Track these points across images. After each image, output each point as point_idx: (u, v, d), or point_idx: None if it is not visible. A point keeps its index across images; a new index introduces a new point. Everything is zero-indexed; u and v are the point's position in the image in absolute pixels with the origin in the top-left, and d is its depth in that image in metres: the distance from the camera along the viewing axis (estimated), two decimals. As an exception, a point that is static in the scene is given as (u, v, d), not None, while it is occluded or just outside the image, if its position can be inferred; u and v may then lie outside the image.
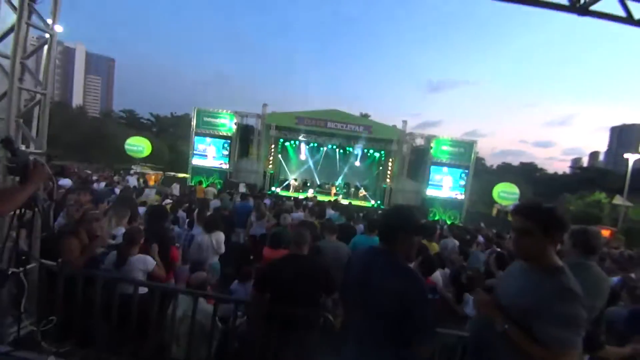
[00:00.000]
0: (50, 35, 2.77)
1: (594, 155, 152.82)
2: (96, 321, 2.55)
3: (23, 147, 2.57)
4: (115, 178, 12.63)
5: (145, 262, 2.76)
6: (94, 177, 11.87)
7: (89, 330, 2.57)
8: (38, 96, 2.75)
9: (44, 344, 2.27)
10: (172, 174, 19.22)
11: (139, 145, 16.85)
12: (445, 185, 15.87)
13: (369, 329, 1.55)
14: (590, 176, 39.00)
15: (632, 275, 4.42)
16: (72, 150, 29.12)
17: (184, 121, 38.29)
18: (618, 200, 23.03)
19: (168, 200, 7.31)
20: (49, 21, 2.76)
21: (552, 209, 1.37)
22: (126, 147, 16.74)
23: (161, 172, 19.49)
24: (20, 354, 1.17)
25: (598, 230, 2.17)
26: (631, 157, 20.04)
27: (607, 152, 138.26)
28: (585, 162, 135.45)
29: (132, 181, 11.66)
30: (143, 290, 2.67)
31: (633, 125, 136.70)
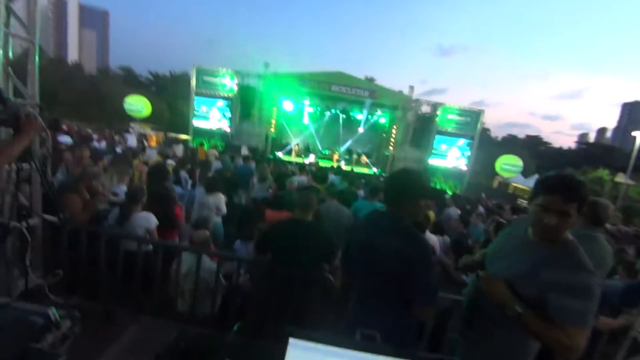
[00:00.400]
0: (35, -24, 2.54)
1: (601, 131, 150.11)
2: (102, 276, 2.61)
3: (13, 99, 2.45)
4: (116, 138, 12.50)
5: (148, 220, 2.77)
6: (94, 136, 11.75)
7: (95, 285, 2.64)
8: (27, 44, 2.58)
9: (51, 296, 2.33)
10: (174, 135, 19.01)
11: (138, 104, 16.45)
12: (449, 155, 15.72)
13: (372, 291, 1.57)
14: (596, 152, 38.64)
15: (628, 250, 4.48)
16: (70, 108, 28.60)
17: (183, 80, 37.13)
18: (620, 178, 22.97)
19: (170, 161, 7.27)
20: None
21: (586, 186, 1.25)
22: (125, 106, 16.34)
23: (162, 133, 19.28)
24: (23, 305, 1.17)
25: (608, 202, 2.13)
26: (639, 135, 19.48)
27: (616, 129, 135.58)
28: (592, 138, 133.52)
29: (131, 140, 11.51)
30: (147, 247, 2.71)
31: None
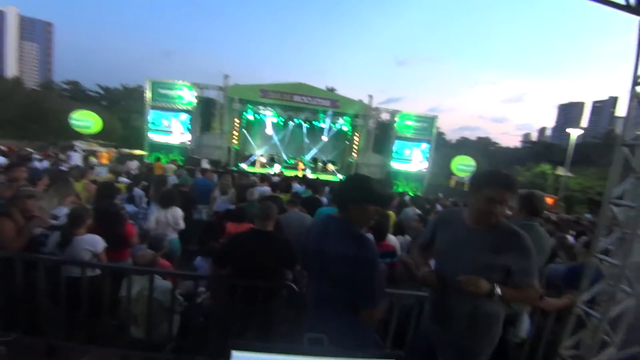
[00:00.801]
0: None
1: (542, 130, 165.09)
2: (43, 307, 2.36)
3: None
4: (62, 156, 11.53)
5: (94, 243, 2.57)
6: (36, 156, 10.75)
7: (37, 317, 2.39)
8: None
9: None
10: (128, 150, 17.93)
11: (86, 120, 15.37)
12: (408, 159, 16.45)
13: (325, 295, 1.58)
14: (538, 150, 42.28)
15: (568, 236, 4.92)
16: (8, 126, 26.01)
17: (136, 94, 35.33)
18: (561, 171, 25.34)
19: (124, 179, 6.84)
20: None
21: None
22: (71, 122, 15.18)
23: (114, 149, 18.11)
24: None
25: (542, 194, 2.34)
26: (573, 132, 21.91)
27: (555, 128, 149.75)
28: (534, 136, 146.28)
29: (76, 159, 10.66)
30: (93, 272, 2.50)
31: (578, 103, 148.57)
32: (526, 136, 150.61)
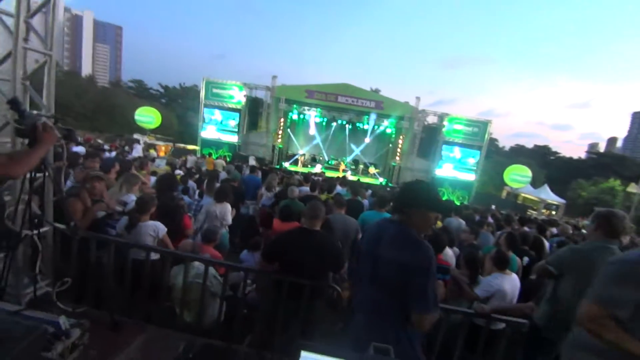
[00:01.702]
0: (55, -7, 2.63)
1: (611, 141, 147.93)
2: (109, 284, 2.61)
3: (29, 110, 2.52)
4: (127, 148, 12.73)
5: (156, 229, 2.78)
6: (105, 147, 11.98)
7: (103, 293, 2.64)
8: (44, 58, 2.67)
9: (59, 304, 2.33)
10: (182, 145, 19.28)
11: (148, 116, 16.80)
12: (456, 165, 15.62)
13: (375, 302, 1.57)
14: (606, 162, 37.99)
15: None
16: (82, 119, 29.30)
17: (192, 92, 37.93)
18: (633, 188, 22.48)
19: (178, 171, 7.34)
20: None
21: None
22: (136, 117, 16.69)
23: (171, 144, 19.56)
24: (31, 313, 1.17)
25: (624, 215, 2.07)
26: (652, 143, 19.22)
27: (626, 138, 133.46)
28: (602, 147, 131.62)
29: (138, 150, 11.69)
30: (155, 256, 2.71)
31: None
32: (592, 146, 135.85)
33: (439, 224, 4.77)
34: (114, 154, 8.85)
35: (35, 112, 2.54)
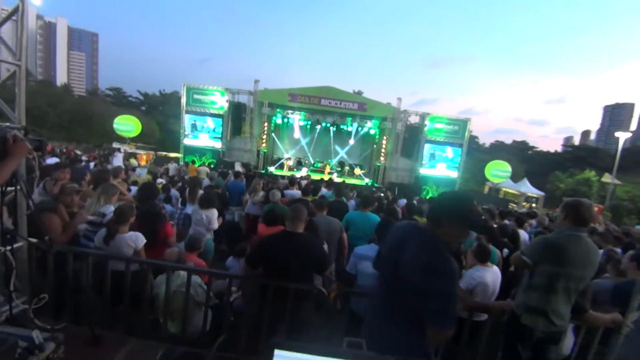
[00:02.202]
0: (21, 1, 2.56)
1: (585, 133, 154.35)
2: (89, 298, 2.54)
3: (-1, 122, 2.44)
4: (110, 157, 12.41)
5: (135, 239, 2.73)
6: (83, 157, 11.63)
7: (82, 307, 2.57)
8: (14, 68, 2.59)
9: (36, 321, 2.26)
10: (164, 153, 18.90)
11: (128, 124, 16.40)
12: (438, 163, 15.96)
13: (392, 305, 1.56)
14: (581, 154, 39.57)
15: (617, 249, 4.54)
16: (58, 130, 28.35)
17: (173, 99, 37.29)
18: (607, 178, 23.52)
19: (161, 180, 7.22)
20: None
21: None
22: (115, 126, 16.26)
23: (152, 152, 19.16)
24: (4, 329, 1.13)
25: (591, 203, 2.18)
26: (622, 136, 20.08)
27: (599, 131, 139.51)
28: (577, 140, 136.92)
29: (118, 160, 11.35)
30: (135, 266, 2.66)
31: (626, 104, 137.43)
32: (568, 140, 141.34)
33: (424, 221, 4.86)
34: (91, 164, 8.60)
35: (5, 124, 2.46)
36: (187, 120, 15.68)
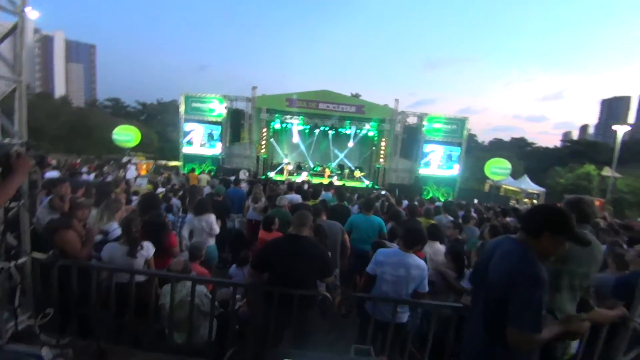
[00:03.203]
0: (21, 18, 2.59)
1: (584, 128, 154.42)
2: (94, 312, 2.54)
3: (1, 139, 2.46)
4: (105, 168, 12.39)
5: (147, 249, 2.74)
6: (83, 169, 11.63)
7: (88, 321, 2.57)
8: (14, 84, 2.61)
9: (43, 337, 2.25)
10: (164, 162, 18.92)
11: (127, 134, 16.41)
12: (438, 163, 15.97)
13: (480, 310, 1.59)
14: (580, 149, 39.56)
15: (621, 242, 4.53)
16: (58, 142, 28.41)
17: (172, 108, 37.38)
18: (607, 171, 23.51)
19: (161, 189, 7.23)
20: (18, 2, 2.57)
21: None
22: (114, 136, 16.27)
23: (152, 161, 19.17)
24: (15, 347, 1.14)
25: (592, 199, 2.19)
26: (620, 129, 20.14)
27: (597, 125, 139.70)
28: (575, 135, 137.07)
29: (132, 172, 11.15)
30: (140, 277, 2.66)
31: (622, 97, 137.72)
32: (566, 135, 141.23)
33: (431, 221, 4.86)
34: (92, 175, 8.61)
35: (6, 140, 2.48)
36: (186, 128, 15.73)
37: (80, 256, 2.56)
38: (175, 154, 17.64)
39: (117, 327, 2.64)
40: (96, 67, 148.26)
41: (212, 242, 3.99)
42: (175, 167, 15.83)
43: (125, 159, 15.70)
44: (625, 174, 24.30)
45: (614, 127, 21.09)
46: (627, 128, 21.15)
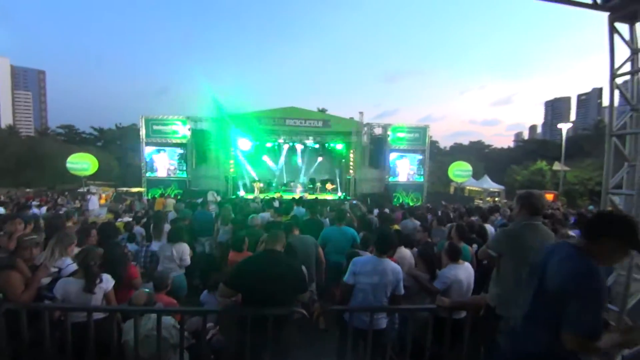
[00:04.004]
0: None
1: (533, 128, 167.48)
2: (49, 358, 2.29)
3: None
4: (60, 200, 11.50)
5: (105, 282, 2.54)
6: (34, 202, 10.72)
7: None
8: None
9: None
10: (125, 189, 17.92)
11: (82, 162, 15.40)
12: (405, 170, 16.54)
13: (536, 310, 1.62)
14: (532, 147, 42.62)
15: (571, 232, 4.89)
16: (5, 175, 26.13)
17: (131, 132, 35.77)
18: (557, 166, 25.52)
19: (127, 218, 6.81)
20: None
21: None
22: (68, 165, 15.21)
23: (113, 189, 18.10)
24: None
25: (541, 193, 2.35)
26: (564, 127, 22.25)
27: (544, 124, 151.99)
28: (526, 135, 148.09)
29: (94, 202, 10.29)
30: (99, 315, 2.46)
31: (564, 98, 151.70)
32: (518, 135, 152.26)
33: (395, 227, 4.95)
34: (43, 209, 7.95)
35: None
36: (147, 152, 15.09)
37: (23, 299, 2.32)
38: (137, 179, 16.78)
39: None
40: (46, 93, 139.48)
41: (180, 271, 3.79)
42: (138, 193, 15.02)
43: (84, 189, 14.67)
44: (573, 166, 26.48)
45: (559, 125, 23.26)
46: (570, 125, 23.30)
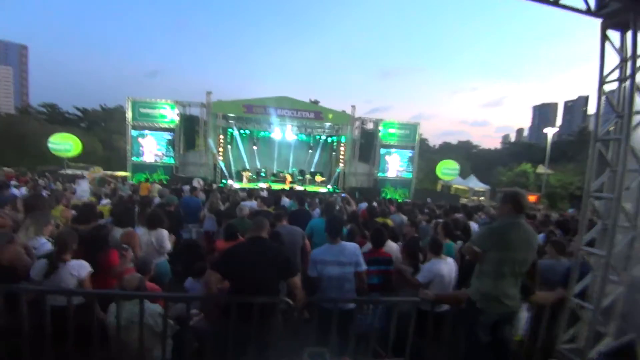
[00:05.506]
0: None
1: (520, 131, 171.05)
2: (28, 343, 2.23)
3: None
4: (41, 182, 11.08)
5: (79, 268, 2.46)
6: (12, 182, 10.32)
7: (23, 353, 2.24)
8: None
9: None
10: (110, 172, 17.46)
11: (65, 143, 14.90)
12: (394, 166, 16.69)
13: None
14: (518, 150, 43.56)
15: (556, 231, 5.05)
16: (-17, 153, 25.02)
17: (117, 114, 34.74)
18: (541, 169, 26.17)
19: (106, 201, 6.63)
20: None
21: None
22: (50, 145, 14.69)
23: (102, 171, 17.56)
24: None
25: (524, 192, 2.41)
26: (550, 131, 22.85)
27: (531, 128, 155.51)
28: (513, 137, 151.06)
29: (84, 186, 9.77)
30: (80, 299, 2.40)
31: (551, 103, 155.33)
32: (505, 137, 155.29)
33: (390, 222, 4.99)
34: (23, 190, 7.67)
35: None
36: (134, 135, 14.70)
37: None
38: (122, 163, 16.38)
39: (57, 357, 2.33)
40: (28, 69, 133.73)
41: (161, 258, 3.72)
42: (123, 178, 14.65)
43: (67, 171, 14.19)
44: (556, 170, 27.23)
45: (545, 130, 23.84)
46: (555, 130, 23.88)
